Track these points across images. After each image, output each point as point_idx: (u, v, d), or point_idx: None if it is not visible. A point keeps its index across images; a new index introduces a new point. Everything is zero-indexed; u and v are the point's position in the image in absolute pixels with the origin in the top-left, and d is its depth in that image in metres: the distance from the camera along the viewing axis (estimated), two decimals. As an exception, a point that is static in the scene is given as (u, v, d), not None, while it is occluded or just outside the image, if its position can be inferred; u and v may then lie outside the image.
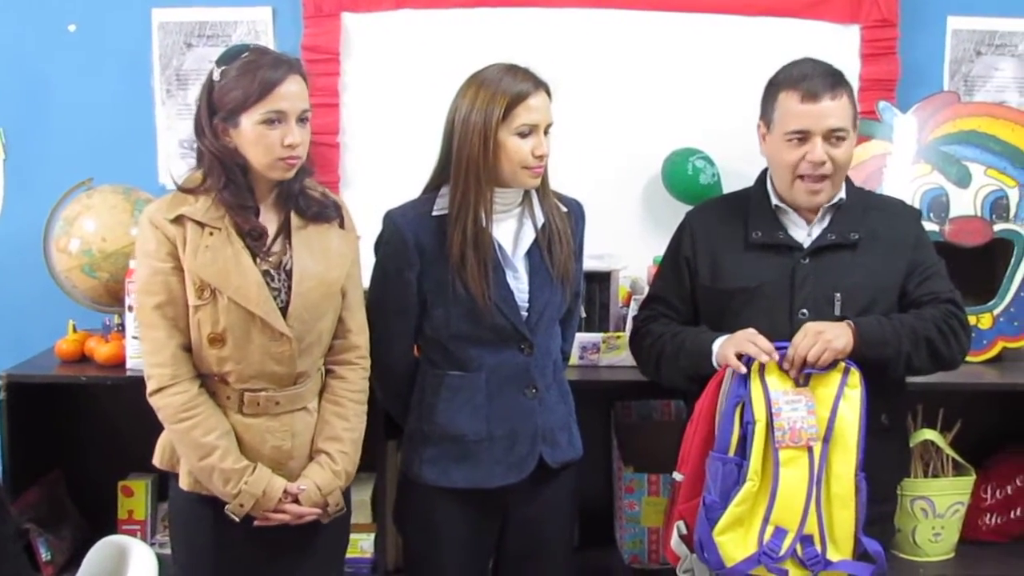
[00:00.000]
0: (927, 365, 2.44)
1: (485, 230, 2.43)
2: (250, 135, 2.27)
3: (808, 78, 2.44)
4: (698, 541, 2.31)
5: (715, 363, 2.40)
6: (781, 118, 2.46)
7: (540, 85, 2.43)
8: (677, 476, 2.45)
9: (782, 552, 2.27)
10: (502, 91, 2.38)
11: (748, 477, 2.27)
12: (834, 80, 2.44)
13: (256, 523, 2.35)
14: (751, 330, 2.38)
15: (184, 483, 2.39)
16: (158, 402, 2.34)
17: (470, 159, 2.40)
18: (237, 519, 2.33)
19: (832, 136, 2.43)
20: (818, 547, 2.28)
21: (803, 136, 2.44)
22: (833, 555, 2.30)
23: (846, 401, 2.29)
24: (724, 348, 2.38)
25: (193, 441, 2.31)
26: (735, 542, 2.28)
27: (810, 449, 2.27)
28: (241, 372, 2.33)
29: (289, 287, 2.34)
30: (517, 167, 2.41)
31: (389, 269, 2.50)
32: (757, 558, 2.27)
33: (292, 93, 2.28)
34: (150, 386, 2.35)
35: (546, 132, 2.44)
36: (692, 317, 2.60)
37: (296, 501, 2.37)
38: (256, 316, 2.29)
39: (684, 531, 2.41)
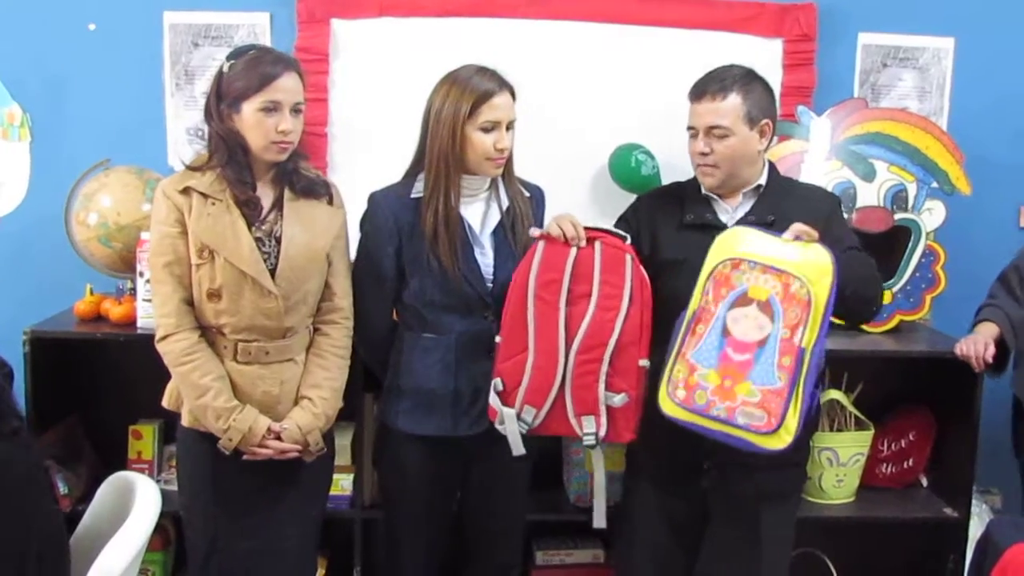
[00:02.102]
0: (851, 304, 2.41)
1: (455, 211, 2.45)
2: (250, 120, 2.33)
3: (703, 83, 2.49)
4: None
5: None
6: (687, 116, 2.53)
7: (505, 86, 2.45)
8: (497, 339, 2.44)
9: None
10: (470, 90, 2.40)
11: None
12: (725, 84, 2.45)
13: (244, 457, 2.39)
14: (570, 214, 2.41)
15: (185, 420, 2.44)
16: (164, 348, 2.39)
17: (441, 149, 2.42)
18: (227, 452, 2.38)
19: (712, 131, 2.45)
20: None
21: (693, 131, 2.50)
22: None
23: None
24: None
25: (192, 382, 2.36)
26: None
27: None
28: (235, 324, 2.37)
29: (278, 252, 2.38)
30: (481, 158, 2.43)
31: (372, 243, 2.53)
32: None
33: (287, 87, 2.33)
34: (158, 334, 2.41)
35: (509, 128, 2.45)
36: None
37: (279, 438, 2.40)
38: (247, 275, 2.34)
39: (500, 388, 2.42)
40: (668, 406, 2.32)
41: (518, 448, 2.42)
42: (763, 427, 2.20)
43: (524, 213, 2.55)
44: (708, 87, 2.46)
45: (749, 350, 2.23)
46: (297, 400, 2.47)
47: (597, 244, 2.38)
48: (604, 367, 2.35)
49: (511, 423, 2.41)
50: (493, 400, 2.43)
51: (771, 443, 2.22)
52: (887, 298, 3.24)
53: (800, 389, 2.21)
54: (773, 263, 2.24)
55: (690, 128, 2.52)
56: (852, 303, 2.39)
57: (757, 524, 2.53)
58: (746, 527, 2.54)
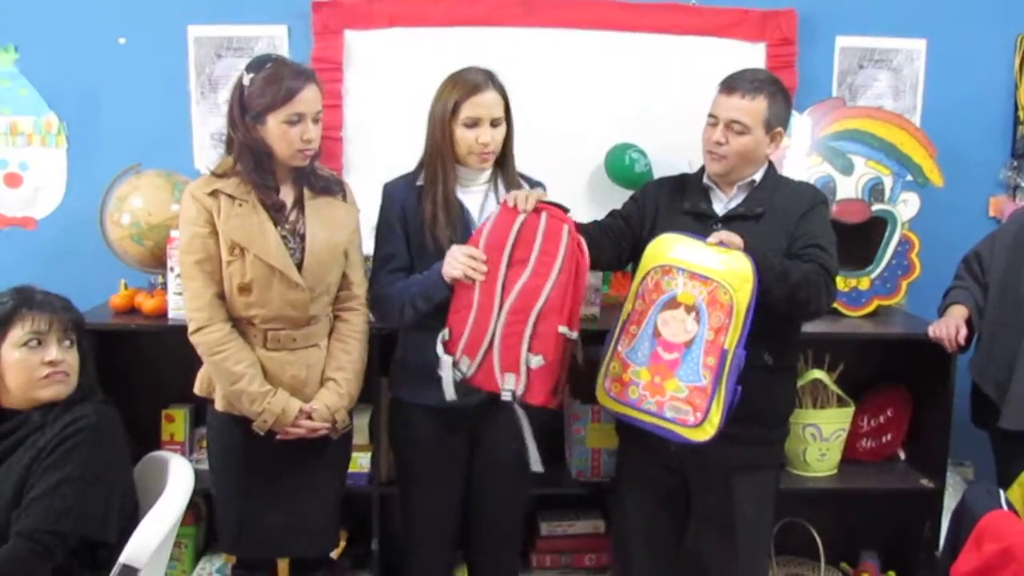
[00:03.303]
0: (783, 305, 2.39)
1: (452, 196, 2.50)
2: (275, 132, 2.36)
3: (736, 79, 2.52)
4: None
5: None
6: (710, 105, 2.56)
7: (490, 85, 2.47)
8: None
9: None
10: (456, 88, 2.47)
11: None
12: (756, 85, 2.49)
13: (278, 437, 2.43)
14: (535, 191, 2.40)
15: (219, 406, 2.48)
16: (197, 339, 2.42)
17: (434, 143, 2.50)
18: (262, 433, 2.42)
19: (732, 125, 2.49)
20: None
21: (714, 120, 2.53)
22: None
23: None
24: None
25: (226, 370, 2.40)
26: None
27: None
28: (264, 315, 2.42)
29: (303, 248, 2.43)
30: (466, 152, 2.48)
31: (384, 227, 2.59)
32: None
33: (309, 99, 2.37)
34: (191, 327, 2.43)
35: (495, 125, 2.48)
36: (626, 228, 2.67)
37: (309, 418, 2.45)
38: (276, 269, 2.38)
39: (446, 337, 2.44)
40: (603, 398, 2.44)
41: (450, 394, 2.42)
42: (689, 421, 2.31)
43: None
44: (741, 84, 2.49)
45: (677, 350, 2.32)
46: (323, 382, 2.51)
47: (543, 214, 2.38)
48: (528, 329, 2.35)
49: (447, 370, 2.42)
50: (438, 347, 2.44)
51: (697, 435, 2.32)
52: (865, 284, 3.28)
53: (723, 386, 2.29)
54: (700, 271, 2.32)
55: (711, 116, 2.54)
56: (785, 305, 2.41)
57: (730, 493, 2.57)
58: (720, 496, 2.58)
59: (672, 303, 2.35)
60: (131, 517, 2.35)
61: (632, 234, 2.66)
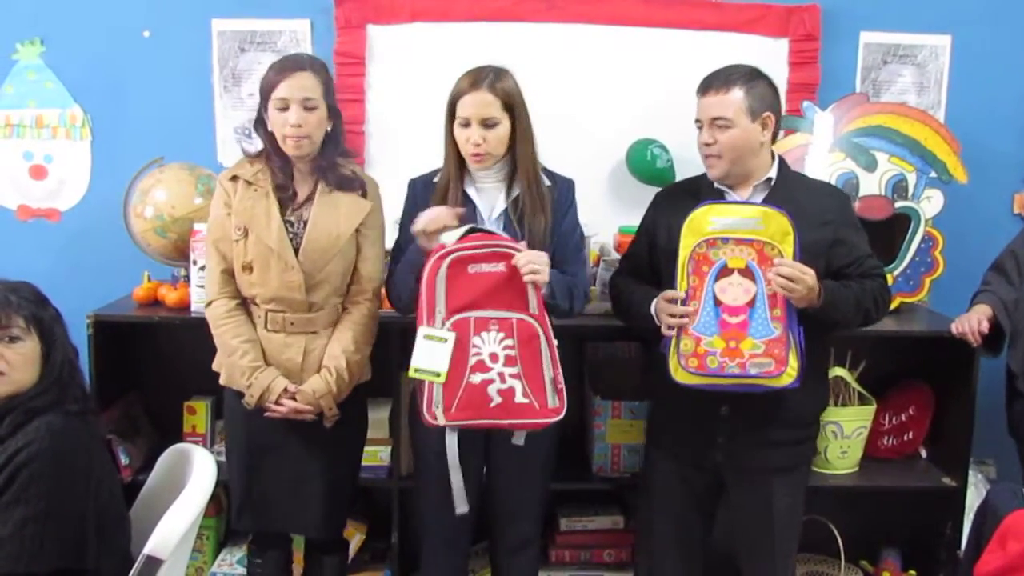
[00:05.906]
0: (857, 325, 2.55)
1: (451, 194, 2.50)
2: (270, 117, 2.47)
3: (708, 79, 2.51)
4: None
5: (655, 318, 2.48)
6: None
7: (481, 85, 2.44)
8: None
9: None
10: (454, 90, 2.48)
11: None
12: (729, 79, 2.46)
13: (266, 414, 2.51)
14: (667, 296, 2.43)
15: (222, 379, 2.58)
16: (208, 312, 2.57)
17: (445, 141, 2.52)
18: (249, 407, 2.50)
19: (715, 123, 2.47)
20: None
21: (699, 123, 2.52)
22: None
23: None
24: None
25: (224, 343, 2.53)
26: None
27: None
28: (264, 295, 2.51)
29: (304, 234, 2.49)
30: (462, 151, 2.48)
31: (404, 218, 2.59)
32: None
33: (293, 85, 2.43)
34: (205, 301, 2.56)
35: (488, 125, 2.45)
36: (649, 271, 2.63)
37: (294, 399, 2.49)
38: (274, 250, 2.45)
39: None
40: (682, 376, 2.44)
41: None
42: (772, 371, 2.38)
43: (536, 206, 2.52)
44: (713, 83, 2.49)
45: (742, 312, 2.39)
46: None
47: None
48: None
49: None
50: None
51: (781, 381, 2.40)
52: (887, 281, 3.23)
53: (792, 332, 2.40)
54: (744, 235, 2.39)
55: (697, 121, 2.53)
56: (859, 325, 2.56)
57: (770, 494, 2.56)
58: (760, 497, 2.58)
59: (724, 271, 2.41)
60: (117, 535, 2.31)
61: (650, 266, 2.65)
